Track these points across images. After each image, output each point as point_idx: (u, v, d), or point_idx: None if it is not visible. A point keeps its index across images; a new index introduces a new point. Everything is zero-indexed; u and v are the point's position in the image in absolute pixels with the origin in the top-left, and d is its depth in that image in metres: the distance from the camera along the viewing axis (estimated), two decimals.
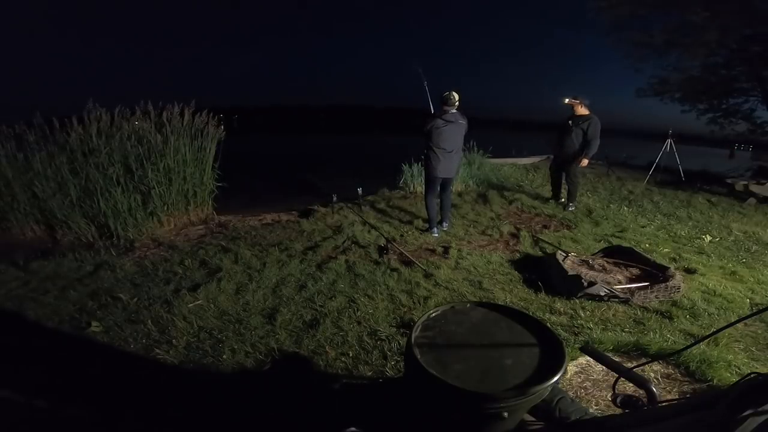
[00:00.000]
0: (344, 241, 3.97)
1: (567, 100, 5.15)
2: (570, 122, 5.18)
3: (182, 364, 2.08)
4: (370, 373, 2.00)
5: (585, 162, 5.20)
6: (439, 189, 4.30)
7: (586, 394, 1.85)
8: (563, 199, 5.63)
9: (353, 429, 0.78)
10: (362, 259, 3.54)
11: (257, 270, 3.20)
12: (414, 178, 6.34)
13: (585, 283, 2.72)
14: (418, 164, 6.08)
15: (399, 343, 2.21)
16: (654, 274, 2.98)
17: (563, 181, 5.66)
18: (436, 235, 4.21)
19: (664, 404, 0.98)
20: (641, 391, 1.01)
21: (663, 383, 1.93)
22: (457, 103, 4.02)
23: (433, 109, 4.17)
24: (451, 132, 4.01)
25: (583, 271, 2.98)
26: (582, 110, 5.10)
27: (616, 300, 2.71)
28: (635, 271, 3.08)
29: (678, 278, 2.87)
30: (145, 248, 3.80)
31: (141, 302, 2.70)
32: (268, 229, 4.39)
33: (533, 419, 1.13)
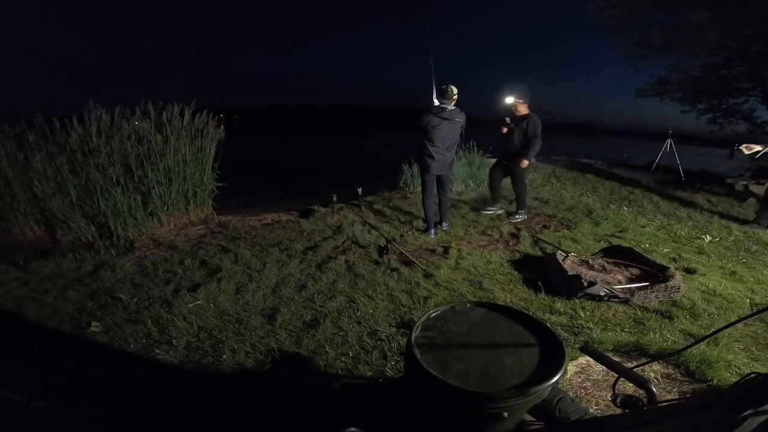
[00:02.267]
0: (344, 241, 3.97)
1: (511, 101, 4.76)
2: (509, 121, 4.89)
3: (182, 364, 2.08)
4: (370, 373, 2.00)
5: (525, 163, 4.81)
6: (435, 188, 4.28)
7: (586, 394, 1.85)
8: (503, 208, 5.20)
9: (353, 429, 0.78)
10: (362, 259, 3.54)
11: (257, 270, 3.20)
12: (414, 178, 6.35)
13: (585, 283, 2.72)
14: (417, 164, 6.07)
15: (399, 343, 2.21)
16: (654, 274, 2.98)
17: (501, 186, 5.25)
18: (433, 236, 4.20)
19: (664, 404, 0.98)
20: (641, 391, 1.01)
21: (663, 383, 1.93)
22: (455, 97, 3.98)
23: (436, 95, 4.08)
24: (447, 129, 3.97)
25: (583, 271, 2.98)
26: (523, 110, 4.79)
27: (616, 300, 2.71)
28: (635, 271, 3.08)
29: (678, 278, 2.87)
30: (145, 248, 3.80)
31: (141, 302, 2.70)
32: (268, 229, 4.39)
33: (533, 419, 1.14)
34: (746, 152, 4.15)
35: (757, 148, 4.09)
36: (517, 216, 4.94)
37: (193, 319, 2.46)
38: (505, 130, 4.86)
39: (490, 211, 5.09)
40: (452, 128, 4.00)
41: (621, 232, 4.47)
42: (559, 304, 2.71)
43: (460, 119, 4.03)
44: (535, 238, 4.13)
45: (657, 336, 2.30)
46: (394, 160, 6.75)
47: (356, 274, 3.16)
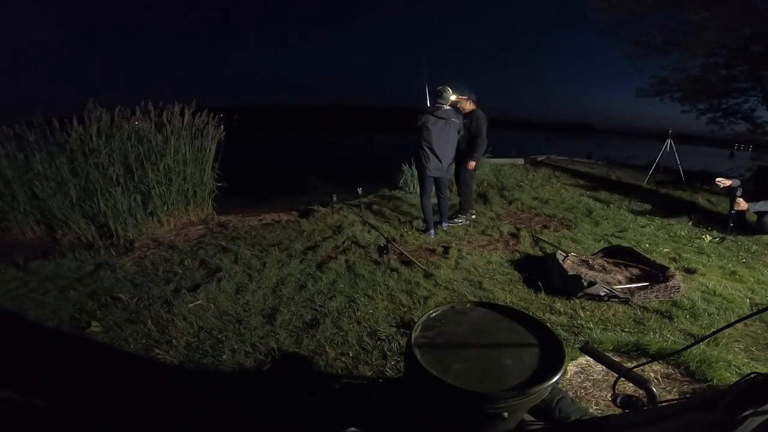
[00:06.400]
0: (344, 241, 3.97)
1: (454, 96, 4.35)
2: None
3: (182, 364, 2.08)
4: (370, 373, 2.00)
5: (472, 164, 4.53)
6: (434, 189, 4.27)
7: (586, 394, 1.85)
8: (470, 210, 4.86)
9: (353, 429, 0.78)
10: (362, 259, 3.54)
11: (257, 270, 3.20)
12: (414, 178, 6.35)
13: (585, 283, 2.72)
14: (415, 166, 6.03)
15: (399, 343, 2.20)
16: (654, 274, 2.98)
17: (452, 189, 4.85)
18: (433, 236, 4.20)
19: (664, 404, 0.98)
20: (641, 391, 1.01)
21: (663, 383, 1.93)
22: (451, 98, 3.96)
23: (429, 103, 4.06)
24: (443, 130, 3.96)
25: (583, 271, 2.98)
26: (468, 106, 4.49)
27: (616, 300, 2.71)
28: (635, 271, 3.08)
29: (678, 278, 2.87)
30: (145, 248, 3.80)
31: (141, 302, 2.70)
32: (268, 229, 4.39)
33: (533, 419, 1.14)
34: (720, 186, 4.47)
35: (728, 182, 4.39)
36: (457, 220, 4.66)
37: (193, 319, 2.45)
38: None
39: (461, 221, 4.69)
40: (449, 128, 3.99)
41: (621, 232, 4.47)
42: (559, 304, 2.71)
43: (457, 120, 4.03)
44: (535, 238, 4.13)
45: (657, 336, 2.29)
46: (394, 160, 6.75)
47: (356, 274, 3.16)
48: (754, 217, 4.42)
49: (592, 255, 3.46)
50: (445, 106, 3.95)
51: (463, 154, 4.52)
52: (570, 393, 1.81)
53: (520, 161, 9.71)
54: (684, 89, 9.91)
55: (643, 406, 0.99)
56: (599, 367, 1.97)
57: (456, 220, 4.67)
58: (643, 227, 4.71)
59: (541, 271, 3.19)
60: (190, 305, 2.62)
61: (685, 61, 9.39)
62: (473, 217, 4.84)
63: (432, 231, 4.23)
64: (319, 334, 2.31)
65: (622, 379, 1.05)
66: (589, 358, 1.85)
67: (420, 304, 2.70)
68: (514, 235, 4.28)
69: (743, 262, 3.62)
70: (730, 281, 3.16)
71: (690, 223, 4.86)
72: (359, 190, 5.18)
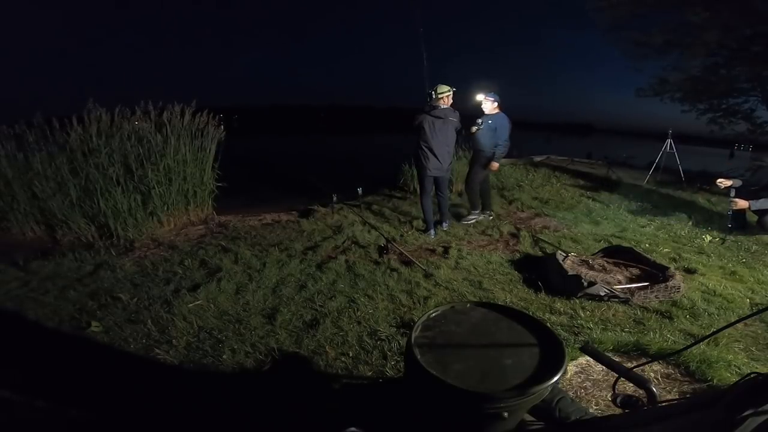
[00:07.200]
0: (344, 241, 3.97)
1: (479, 97, 4.56)
2: (480, 122, 4.60)
3: (182, 364, 2.08)
4: (370, 373, 2.00)
5: (495, 166, 4.63)
6: (433, 188, 4.27)
7: (586, 394, 1.85)
8: (487, 211, 4.97)
9: (353, 429, 0.78)
10: (362, 259, 3.54)
11: (257, 270, 3.20)
12: (414, 178, 6.35)
13: (585, 283, 2.72)
14: (414, 165, 6.02)
15: (399, 343, 2.21)
16: (654, 274, 2.98)
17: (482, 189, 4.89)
18: (433, 236, 4.20)
19: (664, 404, 0.98)
20: (641, 391, 1.01)
21: (663, 383, 1.93)
22: (441, 96, 3.96)
23: (428, 86, 4.08)
24: (441, 129, 3.97)
25: (583, 271, 2.98)
26: (492, 108, 4.58)
27: (616, 300, 2.71)
28: (635, 271, 3.08)
29: (678, 278, 2.87)
30: (145, 248, 3.80)
31: (141, 302, 2.70)
32: (268, 229, 4.39)
33: (533, 419, 1.14)
34: (721, 187, 4.42)
35: (729, 182, 4.33)
36: (470, 217, 4.72)
37: (193, 319, 2.45)
38: (474, 129, 4.54)
39: (473, 218, 4.74)
40: (446, 128, 3.99)
41: (621, 232, 4.47)
42: (559, 304, 2.71)
43: (454, 118, 4.03)
44: (535, 238, 4.13)
45: (657, 336, 2.30)
46: (394, 160, 6.75)
47: (356, 274, 3.16)
48: (755, 217, 4.42)
49: (592, 255, 3.46)
50: (441, 104, 3.95)
51: (484, 155, 4.59)
52: (570, 393, 1.81)
53: (520, 161, 9.71)
54: (684, 89, 9.90)
55: (643, 406, 0.99)
56: (599, 367, 1.97)
57: (469, 217, 4.71)
58: (643, 227, 4.71)
59: (541, 271, 3.20)
60: (190, 305, 2.62)
61: (685, 61, 9.38)
62: (491, 218, 4.89)
63: (432, 231, 4.23)
64: (319, 334, 2.31)
65: (622, 379, 1.05)
66: (589, 358, 1.85)
67: (420, 304, 2.70)
68: (514, 235, 4.28)
69: (743, 262, 3.62)
70: (730, 281, 3.16)
71: (690, 223, 4.86)
72: (359, 190, 5.18)
